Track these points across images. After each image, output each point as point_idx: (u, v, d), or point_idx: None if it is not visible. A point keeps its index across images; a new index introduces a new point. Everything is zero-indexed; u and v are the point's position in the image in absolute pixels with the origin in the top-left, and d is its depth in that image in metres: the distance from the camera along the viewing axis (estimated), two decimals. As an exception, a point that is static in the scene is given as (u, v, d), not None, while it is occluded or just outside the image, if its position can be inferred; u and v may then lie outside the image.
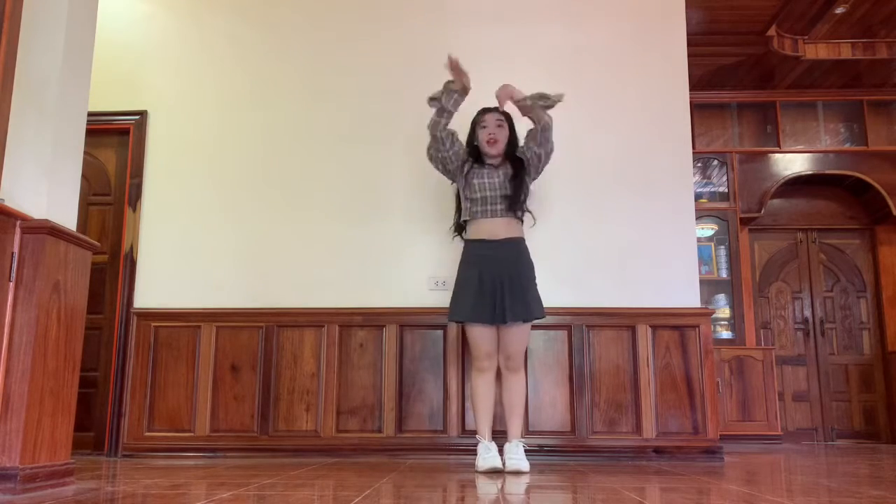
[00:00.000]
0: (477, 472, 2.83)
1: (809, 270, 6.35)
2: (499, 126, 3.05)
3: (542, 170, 3.12)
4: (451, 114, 3.03)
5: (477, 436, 2.96)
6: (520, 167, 3.03)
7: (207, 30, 4.02)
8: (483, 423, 2.95)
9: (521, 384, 2.97)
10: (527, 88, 3.89)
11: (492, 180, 2.98)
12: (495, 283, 2.90)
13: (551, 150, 3.08)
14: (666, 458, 3.47)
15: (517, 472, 2.78)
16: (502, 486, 2.33)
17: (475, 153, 3.08)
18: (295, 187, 3.84)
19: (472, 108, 3.21)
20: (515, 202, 2.98)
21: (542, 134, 3.03)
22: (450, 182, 3.22)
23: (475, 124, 3.12)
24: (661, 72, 3.89)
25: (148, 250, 3.78)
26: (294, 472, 2.75)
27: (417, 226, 3.77)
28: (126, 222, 3.81)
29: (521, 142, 3.12)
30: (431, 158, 3.11)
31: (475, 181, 3.00)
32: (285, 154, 3.88)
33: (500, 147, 3.04)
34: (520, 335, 2.94)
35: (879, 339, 6.18)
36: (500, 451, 2.93)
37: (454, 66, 2.96)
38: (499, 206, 2.97)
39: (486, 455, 2.85)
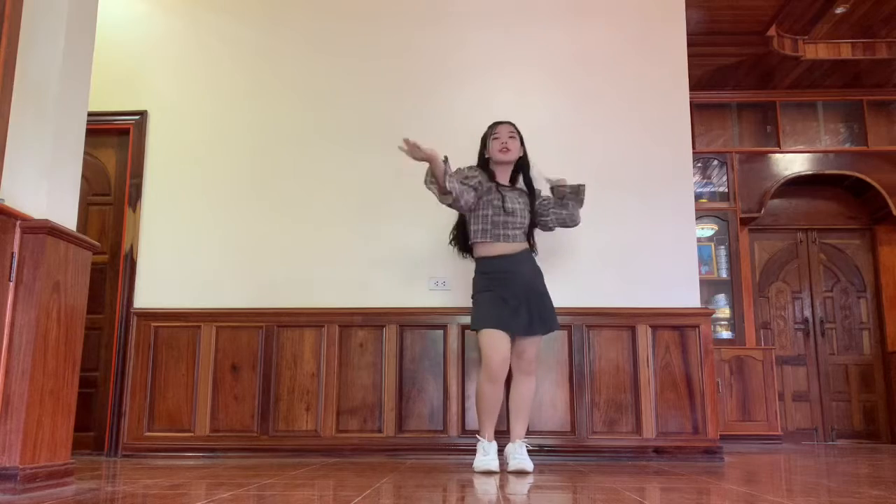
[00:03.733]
0: (474, 471, 2.83)
1: (809, 270, 6.35)
2: (511, 137, 3.06)
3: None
4: (451, 186, 2.88)
5: (478, 435, 2.96)
6: (533, 199, 3.09)
7: (207, 30, 4.02)
8: (487, 425, 2.94)
9: (533, 387, 3.01)
10: (527, 90, 3.91)
11: (514, 206, 2.99)
12: (523, 295, 2.93)
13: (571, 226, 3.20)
14: (666, 458, 3.47)
15: (521, 472, 2.79)
16: (502, 486, 2.33)
17: (485, 167, 3.08)
18: (295, 187, 3.84)
19: (482, 123, 3.20)
20: (531, 230, 3.11)
21: (569, 221, 3.13)
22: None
23: (486, 138, 3.11)
24: (661, 72, 3.89)
25: (148, 250, 3.78)
26: (294, 472, 2.75)
27: (417, 226, 3.77)
28: (126, 222, 3.81)
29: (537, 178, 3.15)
30: (452, 206, 3.00)
31: (509, 205, 2.97)
32: (286, 154, 3.88)
33: (513, 156, 3.05)
34: (538, 342, 3.01)
35: (879, 339, 6.18)
36: (501, 451, 2.94)
37: (412, 152, 2.82)
38: (519, 232, 3.02)
39: (485, 457, 2.85)
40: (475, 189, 2.98)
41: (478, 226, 3.00)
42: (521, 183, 3.16)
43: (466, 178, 2.99)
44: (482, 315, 2.92)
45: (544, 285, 3.05)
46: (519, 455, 2.87)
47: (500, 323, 2.88)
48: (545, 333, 3.02)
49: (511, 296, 2.91)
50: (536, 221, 3.11)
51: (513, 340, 2.94)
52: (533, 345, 2.98)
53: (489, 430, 2.93)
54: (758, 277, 6.31)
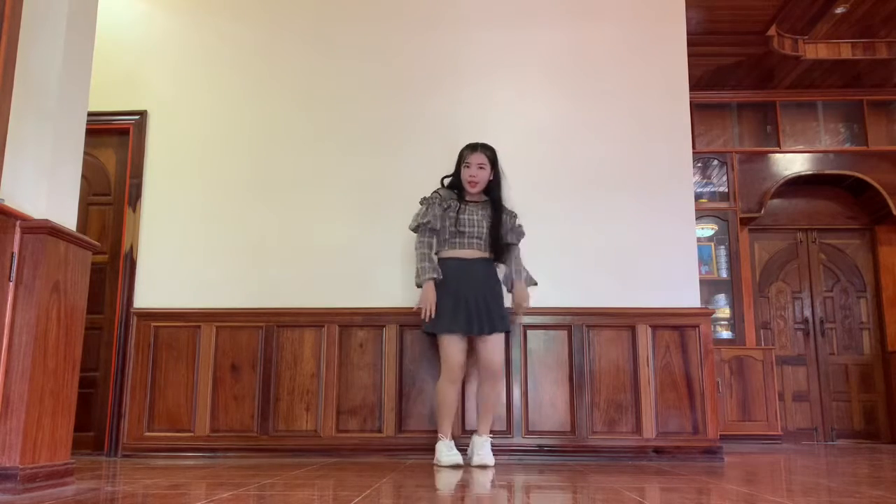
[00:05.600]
0: (440, 466, 3.05)
1: (809, 270, 6.35)
2: (480, 168, 3.27)
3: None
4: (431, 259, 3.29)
5: (439, 434, 3.17)
6: (499, 215, 3.27)
7: (207, 30, 4.02)
8: (447, 424, 3.18)
9: (500, 390, 3.24)
10: (527, 91, 3.91)
11: (471, 216, 3.22)
12: (474, 297, 3.14)
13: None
14: (666, 458, 3.47)
15: (483, 467, 3.05)
16: (502, 486, 2.33)
17: (458, 184, 3.31)
18: (295, 187, 3.84)
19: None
20: (495, 246, 3.26)
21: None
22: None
23: (461, 159, 3.32)
24: (661, 72, 3.89)
25: (148, 250, 3.78)
26: (294, 472, 2.75)
27: (417, 226, 3.76)
28: (126, 222, 3.81)
29: (504, 193, 3.35)
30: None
31: (463, 217, 3.22)
32: (286, 154, 3.88)
33: (480, 188, 3.29)
34: (501, 345, 3.20)
35: (879, 339, 6.18)
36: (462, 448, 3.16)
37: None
38: (475, 240, 3.23)
39: (450, 452, 3.10)
40: (442, 217, 3.26)
41: (441, 238, 3.26)
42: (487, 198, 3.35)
43: (442, 207, 3.25)
44: (439, 320, 3.15)
45: (499, 289, 3.26)
46: (482, 451, 3.13)
47: (449, 327, 3.12)
48: (497, 332, 3.16)
49: (462, 297, 3.13)
50: (503, 237, 3.29)
51: (472, 343, 3.20)
52: (495, 347, 3.16)
53: (448, 429, 3.19)
54: (758, 277, 6.31)
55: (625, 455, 3.47)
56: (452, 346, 3.13)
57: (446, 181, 3.37)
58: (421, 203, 3.30)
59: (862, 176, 6.07)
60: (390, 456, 3.49)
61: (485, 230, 3.23)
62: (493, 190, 3.31)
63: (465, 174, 3.26)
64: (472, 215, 3.22)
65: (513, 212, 3.38)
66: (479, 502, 1.95)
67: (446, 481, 2.47)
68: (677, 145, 3.82)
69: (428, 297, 3.15)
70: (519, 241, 3.37)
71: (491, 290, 3.19)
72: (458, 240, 3.21)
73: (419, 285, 3.22)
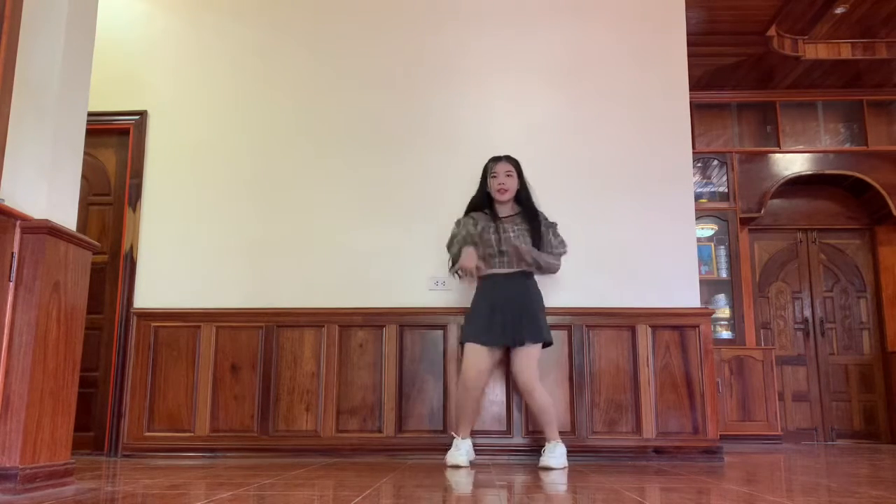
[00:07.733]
0: (447, 465, 3.11)
1: (809, 270, 6.35)
2: (508, 176, 3.27)
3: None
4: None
5: (452, 432, 3.25)
6: (535, 225, 3.22)
7: (207, 30, 4.02)
8: (460, 424, 3.21)
9: (537, 402, 3.12)
10: (528, 92, 3.91)
11: (507, 234, 3.18)
12: (509, 309, 3.12)
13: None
14: (666, 458, 3.47)
15: (545, 469, 2.98)
16: (501, 486, 2.33)
17: (488, 200, 3.31)
18: (295, 187, 3.84)
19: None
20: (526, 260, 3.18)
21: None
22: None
23: (486, 173, 3.32)
24: (661, 72, 3.89)
25: (148, 250, 3.78)
26: (294, 472, 2.75)
27: (417, 225, 3.77)
28: (126, 222, 3.81)
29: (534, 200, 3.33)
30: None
31: (490, 236, 3.19)
32: (286, 154, 3.88)
33: (510, 195, 3.27)
34: (527, 360, 3.11)
35: (879, 339, 6.18)
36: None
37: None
38: (507, 258, 3.19)
39: (455, 451, 3.13)
40: (479, 232, 3.23)
41: (481, 255, 3.21)
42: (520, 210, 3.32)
43: (470, 234, 3.21)
44: (466, 329, 3.21)
45: (533, 303, 3.17)
46: (545, 454, 3.07)
47: (478, 337, 3.13)
48: (514, 346, 3.13)
49: (495, 310, 3.12)
50: (544, 244, 3.24)
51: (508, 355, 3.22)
52: (519, 361, 3.11)
53: (463, 429, 3.19)
54: (758, 277, 6.31)
55: (625, 455, 3.47)
56: (469, 353, 3.14)
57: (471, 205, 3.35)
58: (456, 224, 3.30)
59: (862, 176, 6.07)
60: (390, 456, 3.49)
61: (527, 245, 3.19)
62: (523, 200, 3.29)
63: (494, 184, 3.26)
64: (506, 233, 3.19)
65: (551, 222, 3.32)
66: (479, 502, 1.95)
67: (446, 481, 2.46)
68: (677, 145, 3.82)
69: (466, 260, 3.11)
70: (559, 256, 3.28)
71: (525, 303, 3.15)
72: (497, 259, 3.19)
73: (455, 271, 3.20)
